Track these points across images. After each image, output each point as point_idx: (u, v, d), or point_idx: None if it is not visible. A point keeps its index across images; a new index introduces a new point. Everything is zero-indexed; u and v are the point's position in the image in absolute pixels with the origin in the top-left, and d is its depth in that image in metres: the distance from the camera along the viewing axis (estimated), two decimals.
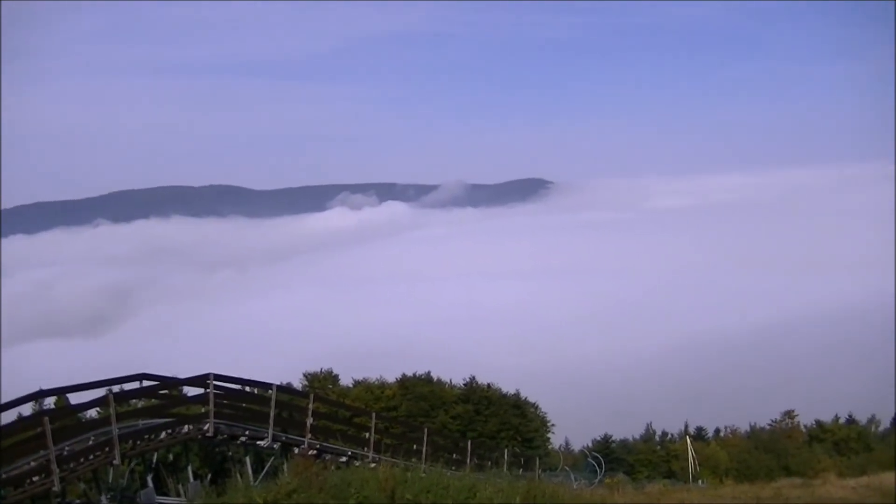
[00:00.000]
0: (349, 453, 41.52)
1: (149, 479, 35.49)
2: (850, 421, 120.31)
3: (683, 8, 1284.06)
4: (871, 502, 28.25)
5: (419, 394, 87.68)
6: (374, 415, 47.03)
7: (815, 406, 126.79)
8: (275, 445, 38.79)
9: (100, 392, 33.54)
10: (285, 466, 33.77)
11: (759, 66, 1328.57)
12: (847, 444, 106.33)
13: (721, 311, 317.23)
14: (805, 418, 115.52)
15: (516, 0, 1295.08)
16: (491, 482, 22.80)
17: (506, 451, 60.85)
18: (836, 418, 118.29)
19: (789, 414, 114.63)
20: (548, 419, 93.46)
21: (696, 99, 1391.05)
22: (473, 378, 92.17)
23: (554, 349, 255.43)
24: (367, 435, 44.01)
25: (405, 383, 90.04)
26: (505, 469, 48.85)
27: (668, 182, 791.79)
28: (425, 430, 50.39)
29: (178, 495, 35.91)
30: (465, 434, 77.28)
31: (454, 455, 51.78)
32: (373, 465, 36.41)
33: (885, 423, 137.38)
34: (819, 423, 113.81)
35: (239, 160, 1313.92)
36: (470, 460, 50.46)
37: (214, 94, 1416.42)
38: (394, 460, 39.42)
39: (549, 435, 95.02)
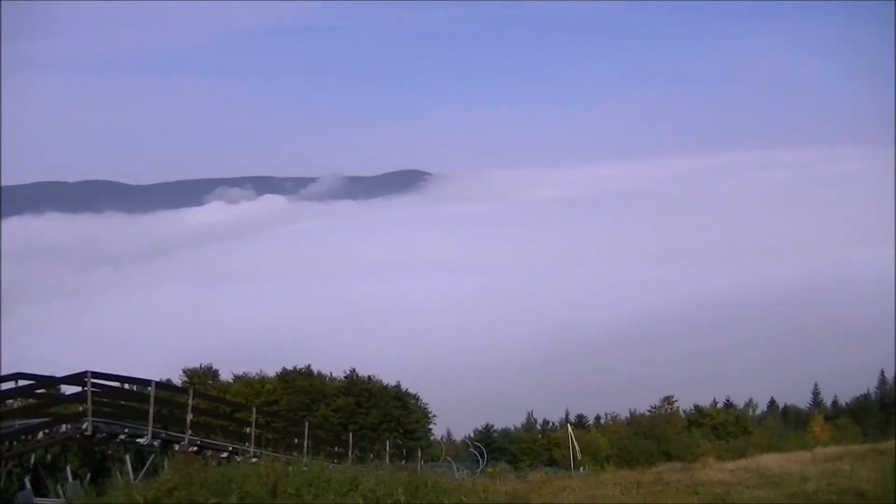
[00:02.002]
0: (230, 449, 41.09)
1: (26, 480, 34.81)
2: (728, 405, 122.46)
3: (562, 4, 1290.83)
4: (749, 484, 28.68)
5: (300, 387, 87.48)
6: (254, 409, 46.64)
7: (694, 391, 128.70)
8: (155, 443, 38.23)
9: None
10: (166, 464, 33.38)
11: (634, 59, 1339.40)
12: (725, 427, 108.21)
13: (600, 300, 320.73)
14: (684, 403, 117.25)
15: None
16: (372, 474, 22.76)
17: (387, 442, 60.80)
18: (715, 403, 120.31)
19: (668, 400, 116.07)
20: (429, 410, 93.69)
21: (574, 90, 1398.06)
22: (354, 371, 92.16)
23: (434, 340, 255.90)
24: (248, 430, 43.67)
25: (286, 377, 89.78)
26: (387, 461, 48.74)
27: (546, 173, 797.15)
28: (306, 423, 50.19)
29: (58, 496, 35.25)
30: (346, 427, 77.14)
31: (336, 448, 51.58)
32: (254, 460, 36.07)
33: (763, 407, 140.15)
34: (698, 408, 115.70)
35: (115, 155, 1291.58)
36: (352, 453, 50.29)
37: (89, 89, 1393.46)
38: (275, 455, 39.13)
39: (431, 426, 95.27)
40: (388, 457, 53.52)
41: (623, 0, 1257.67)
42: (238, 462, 33.81)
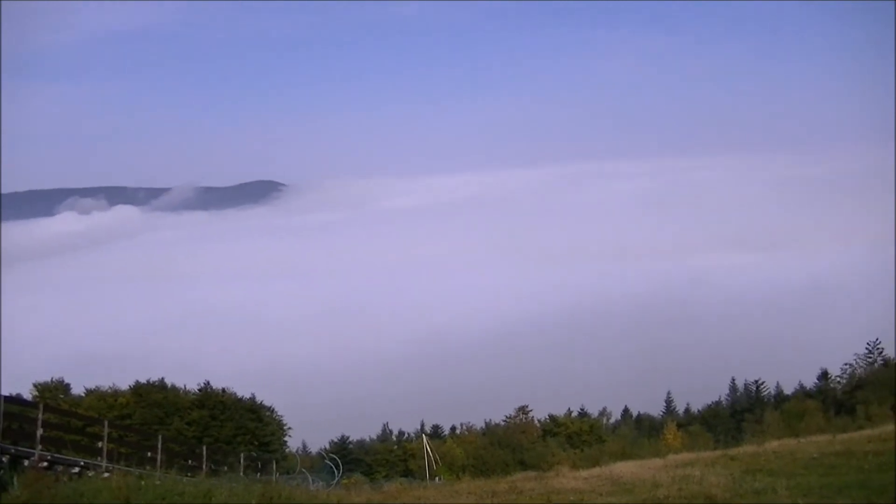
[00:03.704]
0: (82, 464, 40.46)
1: None
2: (583, 414, 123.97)
3: (404, 7, 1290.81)
4: (602, 491, 29.12)
5: (153, 401, 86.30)
6: (106, 423, 45.97)
7: (549, 401, 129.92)
8: (3, 459, 37.53)
9: None
10: (15, 480, 32.80)
11: (488, 67, 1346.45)
12: (580, 436, 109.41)
13: (455, 309, 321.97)
14: (539, 413, 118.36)
15: (248, 0, 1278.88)
16: (226, 487, 22.69)
17: (242, 455, 60.45)
18: (569, 412, 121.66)
19: (523, 409, 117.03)
20: (284, 422, 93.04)
21: (431, 98, 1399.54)
22: (208, 383, 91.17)
23: (289, 352, 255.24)
24: (101, 444, 43.05)
25: (139, 390, 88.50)
26: (241, 473, 48.49)
27: (401, 182, 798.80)
28: (160, 437, 49.65)
29: None
30: (201, 440, 76.24)
31: (190, 461, 51.17)
32: (106, 474, 35.59)
33: (617, 415, 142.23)
34: (553, 418, 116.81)
35: None
36: (206, 466, 49.93)
37: None
38: (128, 469, 38.65)
39: (287, 438, 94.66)
40: (242, 469, 53.24)
41: (487, 1, 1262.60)
42: (90, 477, 33.35)
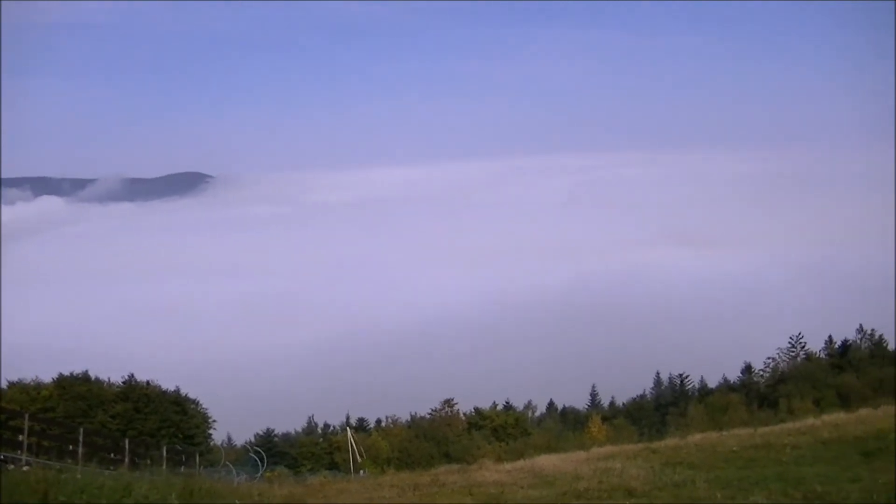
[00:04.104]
0: (2, 457, 40.09)
1: None
2: (508, 407, 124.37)
3: (348, 7, 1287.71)
4: (524, 484, 29.25)
5: (77, 393, 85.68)
6: (27, 416, 45.55)
7: (475, 394, 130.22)
8: None
9: None
10: None
11: (421, 63, 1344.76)
12: (506, 429, 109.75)
13: (382, 303, 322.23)
14: (465, 406, 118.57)
15: None
16: (146, 480, 22.56)
17: (165, 448, 60.06)
18: (495, 405, 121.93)
19: (449, 402, 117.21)
20: (209, 415, 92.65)
21: (360, 92, 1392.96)
22: (132, 376, 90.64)
23: (215, 345, 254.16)
24: (21, 437, 42.66)
25: (62, 383, 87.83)
26: (164, 467, 48.16)
27: (330, 175, 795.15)
28: (81, 430, 49.23)
29: None
30: (125, 433, 75.66)
31: (113, 455, 50.76)
32: (26, 468, 35.28)
33: (542, 409, 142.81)
34: (478, 411, 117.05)
35: None
36: (128, 459, 49.56)
37: None
38: (49, 462, 38.30)
39: (211, 431, 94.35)
40: (164, 462, 52.92)
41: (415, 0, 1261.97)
42: (9, 471, 33.03)
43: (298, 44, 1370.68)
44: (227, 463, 71.41)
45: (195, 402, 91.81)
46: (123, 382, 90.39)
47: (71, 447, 46.43)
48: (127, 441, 54.74)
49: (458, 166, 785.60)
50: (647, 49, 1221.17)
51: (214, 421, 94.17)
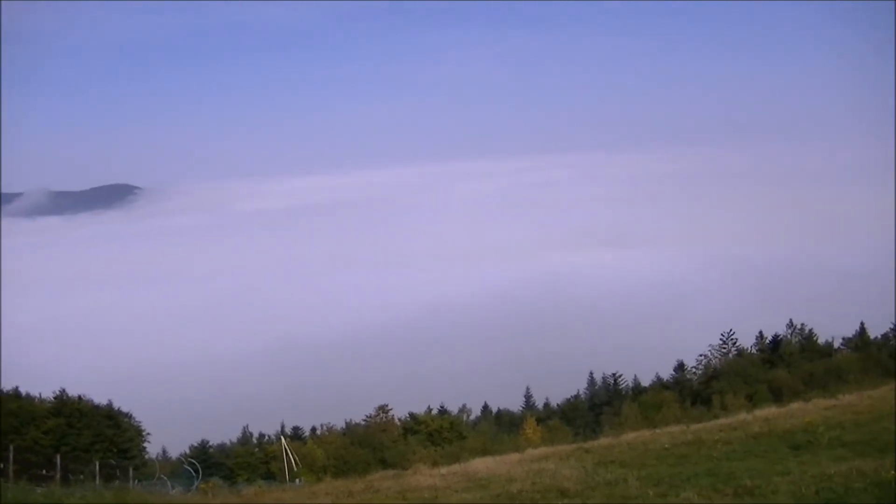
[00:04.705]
0: None
1: None
2: (443, 411, 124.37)
3: (266, 7, 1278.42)
4: (458, 488, 29.35)
5: (7, 410, 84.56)
6: None
7: (409, 399, 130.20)
8: None
9: None
10: None
11: (347, 70, 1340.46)
12: (441, 434, 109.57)
13: (314, 310, 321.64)
14: (399, 411, 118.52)
15: (97, 1, 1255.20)
16: (78, 496, 22.43)
17: (97, 463, 59.57)
18: (429, 410, 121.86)
19: (383, 408, 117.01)
20: (143, 428, 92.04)
21: (287, 101, 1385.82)
22: (64, 391, 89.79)
23: (147, 357, 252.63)
24: None
25: None
26: (97, 482, 47.82)
27: (258, 184, 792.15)
28: (12, 447, 48.73)
29: None
30: (58, 449, 74.99)
31: (45, 471, 50.31)
32: None
33: (477, 412, 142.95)
34: (413, 416, 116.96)
35: None
36: (60, 475, 49.11)
37: None
38: None
39: (146, 444, 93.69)
40: (97, 477, 52.50)
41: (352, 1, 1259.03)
42: None
43: (223, 52, 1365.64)
44: (162, 476, 71.02)
45: (128, 416, 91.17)
46: (55, 398, 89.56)
47: (2, 465, 45.94)
48: (59, 457, 54.24)
49: (387, 172, 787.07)
50: (572, 51, 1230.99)
51: (148, 434, 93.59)
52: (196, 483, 64.98)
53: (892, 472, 21.76)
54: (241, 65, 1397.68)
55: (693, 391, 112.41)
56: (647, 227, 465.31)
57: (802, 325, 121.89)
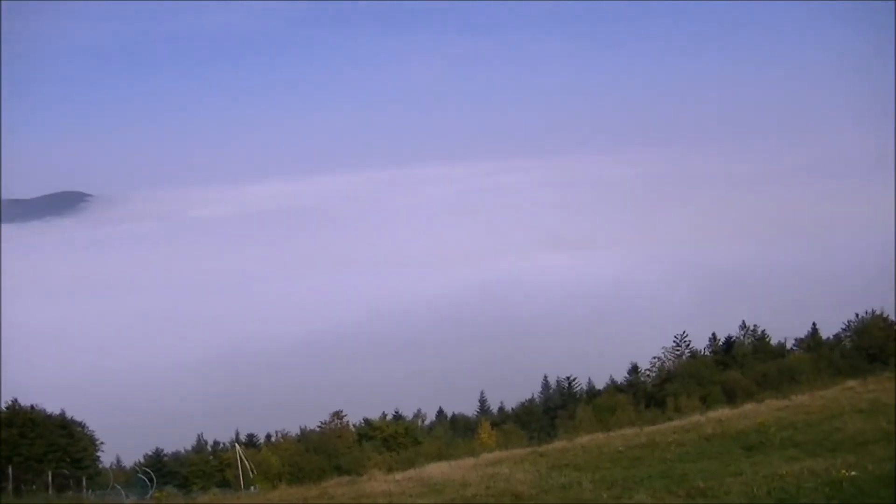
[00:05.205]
0: None
1: None
2: (398, 417, 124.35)
3: (218, 14, 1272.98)
4: (413, 493, 29.39)
5: None
6: None
7: (363, 405, 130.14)
8: None
9: None
10: None
11: (303, 75, 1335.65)
12: (396, 439, 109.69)
13: (266, 318, 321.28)
14: (354, 417, 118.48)
15: (53, 1, 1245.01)
16: None
17: (50, 473, 59.24)
18: (384, 415, 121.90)
19: (338, 414, 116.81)
20: (97, 438, 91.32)
21: (238, 107, 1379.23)
22: (16, 400, 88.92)
23: (100, 366, 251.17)
24: None
25: None
26: (50, 492, 47.61)
27: (211, 191, 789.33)
28: None
29: None
30: (10, 459, 74.43)
31: None
32: None
33: (432, 417, 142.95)
34: (368, 422, 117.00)
35: None
36: (13, 486, 48.86)
37: None
38: None
39: (100, 453, 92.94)
40: (50, 488, 52.26)
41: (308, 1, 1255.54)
42: None
43: (176, 59, 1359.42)
44: (116, 485, 70.71)
45: (82, 425, 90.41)
46: (7, 408, 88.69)
47: None
48: (11, 467, 53.94)
49: (339, 178, 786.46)
50: (526, 54, 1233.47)
51: (102, 443, 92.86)
52: (150, 492, 64.78)
53: (844, 472, 22.00)
54: (193, 72, 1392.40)
55: (647, 393, 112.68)
56: (601, 231, 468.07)
57: (755, 326, 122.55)
